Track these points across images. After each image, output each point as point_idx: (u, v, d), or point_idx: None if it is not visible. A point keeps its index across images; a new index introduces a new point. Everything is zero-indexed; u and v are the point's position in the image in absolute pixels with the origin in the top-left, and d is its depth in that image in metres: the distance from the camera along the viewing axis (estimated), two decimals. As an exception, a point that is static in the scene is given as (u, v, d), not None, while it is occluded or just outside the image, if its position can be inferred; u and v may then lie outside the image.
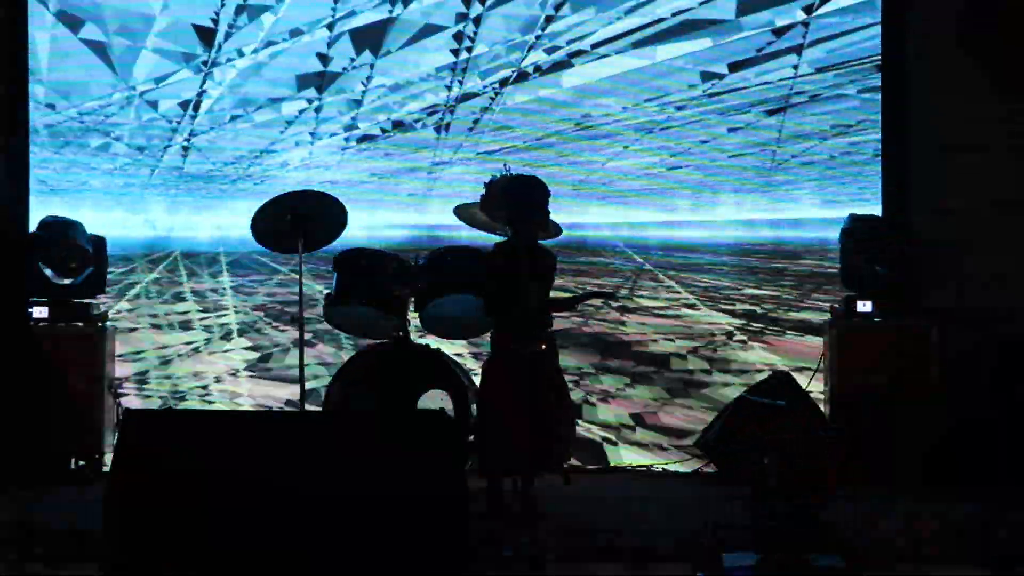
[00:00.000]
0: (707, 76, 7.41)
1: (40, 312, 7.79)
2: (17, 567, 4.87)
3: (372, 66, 7.80)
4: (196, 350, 8.29)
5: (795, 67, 7.26)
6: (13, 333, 7.63)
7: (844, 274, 7.97)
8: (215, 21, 7.74)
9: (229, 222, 8.19)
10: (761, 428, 5.63)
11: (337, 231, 7.60)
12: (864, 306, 7.84)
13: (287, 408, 8.21)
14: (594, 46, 7.73)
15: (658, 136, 7.67)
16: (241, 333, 8.29)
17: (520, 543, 5.04)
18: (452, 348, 7.93)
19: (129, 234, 8.32)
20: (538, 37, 7.71)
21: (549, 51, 7.75)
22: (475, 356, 8.20)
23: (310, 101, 7.99)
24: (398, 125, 8.09)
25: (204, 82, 7.79)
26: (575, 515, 6.17)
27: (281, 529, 4.65)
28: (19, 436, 7.24)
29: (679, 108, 7.51)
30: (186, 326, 8.31)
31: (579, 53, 7.75)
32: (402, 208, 8.13)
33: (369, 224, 8.12)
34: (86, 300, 7.89)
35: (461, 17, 7.74)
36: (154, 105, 8.00)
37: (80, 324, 7.81)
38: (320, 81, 7.82)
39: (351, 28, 7.75)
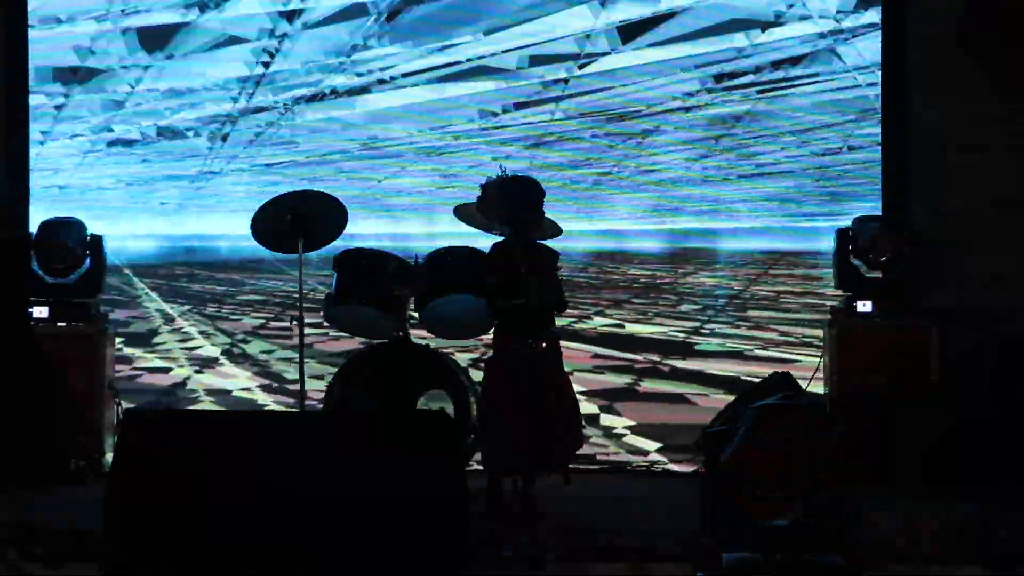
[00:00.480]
0: (485, 113, 8.29)
1: (40, 312, 7.79)
2: (17, 567, 4.86)
3: (146, 68, 7.85)
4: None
5: (553, 113, 8.27)
6: (13, 333, 7.63)
7: (838, 275, 7.98)
8: None
9: None
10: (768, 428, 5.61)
11: (337, 231, 7.60)
12: (864, 306, 7.84)
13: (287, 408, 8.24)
14: (393, 78, 8.27)
15: (433, 161, 8.37)
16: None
17: (520, 543, 5.03)
18: (444, 346, 7.94)
19: None
20: (342, 63, 8.15)
21: (355, 76, 8.22)
22: (465, 353, 8.24)
23: (49, 96, 7.91)
24: (165, 131, 8.16)
25: None
26: (575, 515, 6.17)
27: (281, 529, 4.65)
28: (19, 436, 7.24)
29: (456, 137, 8.27)
30: None
31: (382, 82, 8.26)
32: (152, 217, 8.12)
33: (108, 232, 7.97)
34: (86, 300, 7.91)
35: (267, 32, 8.01)
36: None
37: (80, 324, 7.82)
38: (73, 77, 7.78)
39: (132, 26, 7.80)
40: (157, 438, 4.88)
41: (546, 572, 4.88)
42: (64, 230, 7.88)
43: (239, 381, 8.35)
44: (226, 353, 8.44)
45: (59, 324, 7.81)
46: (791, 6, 8.07)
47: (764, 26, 8.14)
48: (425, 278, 7.27)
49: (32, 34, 7.77)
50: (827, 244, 8.11)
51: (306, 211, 7.38)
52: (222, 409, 8.20)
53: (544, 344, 6.27)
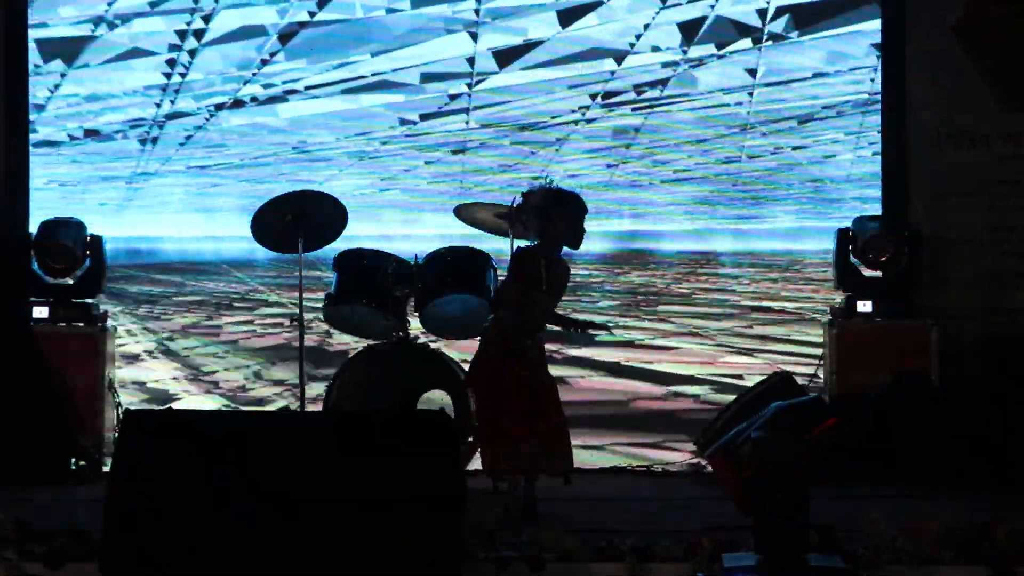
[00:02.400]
0: (404, 121, 8.74)
1: (40, 312, 7.79)
2: (17, 567, 4.86)
3: (63, 75, 8.24)
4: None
5: (467, 122, 8.72)
6: (13, 333, 7.63)
7: (838, 275, 7.98)
8: None
9: None
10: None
11: (337, 231, 7.61)
12: (864, 306, 7.85)
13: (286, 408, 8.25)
14: (307, 88, 8.68)
15: (368, 164, 8.75)
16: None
17: (520, 543, 5.03)
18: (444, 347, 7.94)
19: None
20: (254, 74, 8.58)
21: (265, 87, 8.62)
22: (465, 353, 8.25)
23: None
24: (92, 133, 8.47)
25: None
26: (575, 515, 6.17)
27: (281, 529, 4.64)
28: (19, 436, 7.24)
29: (384, 143, 8.71)
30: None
31: (293, 91, 8.68)
32: (91, 216, 8.19)
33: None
34: (86, 300, 7.90)
35: (174, 47, 8.44)
36: None
37: (80, 324, 7.82)
38: None
39: (39, 37, 8.24)
40: (157, 438, 4.87)
41: (546, 572, 4.88)
42: (64, 230, 7.88)
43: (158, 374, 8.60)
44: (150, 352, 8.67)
45: (59, 324, 7.81)
46: (639, 37, 8.61)
47: (620, 56, 8.66)
48: (425, 278, 7.27)
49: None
50: (756, 244, 8.67)
51: (306, 211, 7.39)
52: (222, 409, 8.21)
53: (531, 349, 6.27)
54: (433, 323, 7.43)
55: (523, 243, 6.49)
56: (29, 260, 7.84)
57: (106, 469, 7.23)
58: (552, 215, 6.27)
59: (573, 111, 8.76)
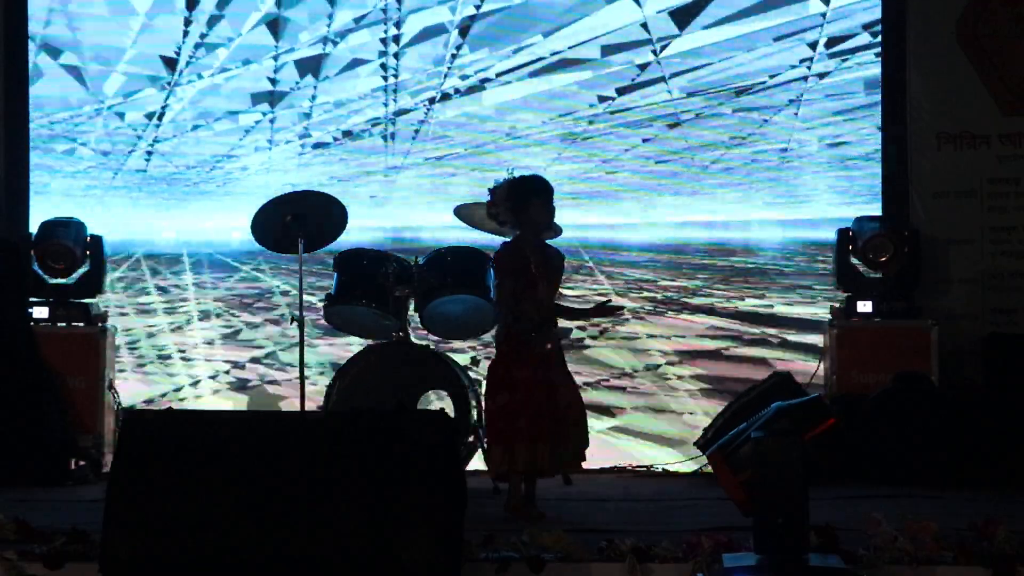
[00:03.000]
0: (603, 98, 8.60)
1: (40, 312, 7.80)
2: (17, 567, 4.86)
3: (315, 87, 8.67)
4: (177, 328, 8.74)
5: (669, 92, 8.47)
6: (13, 333, 7.63)
7: (838, 275, 7.99)
8: (177, 53, 8.50)
9: (191, 225, 8.67)
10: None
11: (337, 231, 7.61)
12: (864, 306, 7.85)
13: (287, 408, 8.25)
14: (497, 75, 8.73)
15: (582, 145, 8.69)
16: (204, 318, 8.75)
17: (520, 543, 5.03)
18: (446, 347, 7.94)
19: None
20: (448, 68, 8.71)
21: (462, 78, 8.73)
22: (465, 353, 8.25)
23: (264, 114, 8.68)
24: (348, 134, 8.78)
25: (168, 97, 8.48)
26: (575, 515, 6.17)
27: (280, 529, 4.64)
28: (19, 436, 7.24)
29: (590, 122, 8.62)
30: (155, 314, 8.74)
31: (487, 79, 8.74)
32: (364, 209, 8.56)
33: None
34: (86, 300, 7.91)
35: (382, 53, 8.72)
36: (121, 116, 8.60)
37: (80, 324, 7.82)
38: (271, 98, 8.62)
39: (294, 59, 8.65)
40: (157, 438, 4.87)
41: (546, 572, 4.88)
42: (64, 230, 7.89)
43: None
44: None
45: (59, 324, 7.81)
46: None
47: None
48: (425, 278, 7.27)
49: (236, 72, 8.62)
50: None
51: (306, 211, 7.40)
52: (223, 409, 8.21)
53: (550, 345, 6.25)
54: (433, 323, 7.43)
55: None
56: (29, 260, 7.84)
57: (106, 469, 7.24)
58: (526, 203, 6.28)
59: (794, 66, 8.39)
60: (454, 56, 8.67)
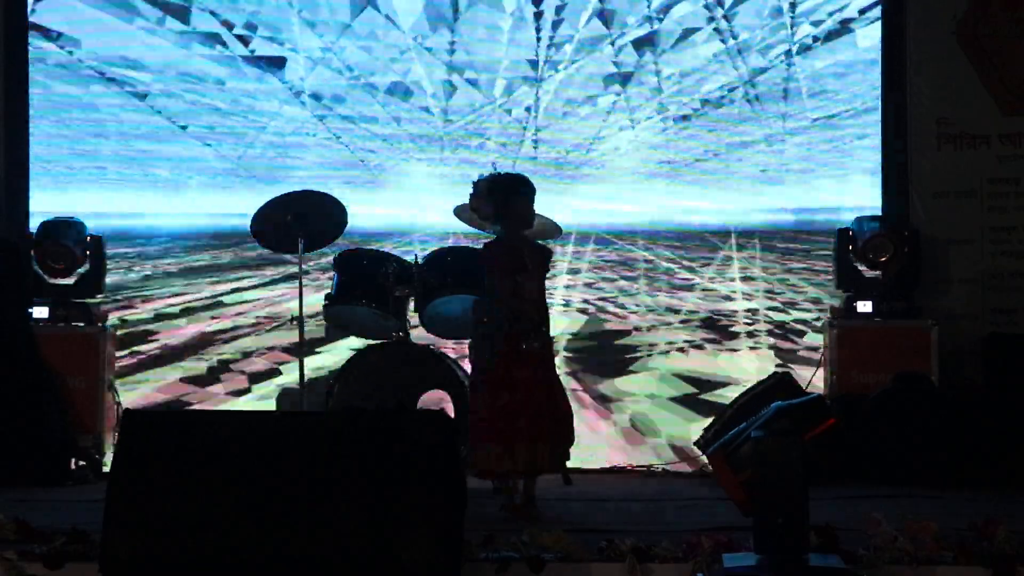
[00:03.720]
0: None
1: (40, 312, 7.80)
2: (17, 567, 4.86)
3: (655, 63, 8.77)
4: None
5: None
6: (13, 333, 7.63)
7: (838, 275, 7.99)
8: (536, 55, 8.85)
9: (584, 205, 8.82)
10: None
11: (337, 231, 7.61)
12: (864, 306, 7.85)
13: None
14: (862, 11, 8.56)
15: None
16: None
17: (520, 543, 5.03)
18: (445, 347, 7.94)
19: None
20: (793, 17, 8.62)
21: (814, 24, 8.62)
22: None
23: (618, 95, 8.82)
24: (706, 103, 8.82)
25: (537, 92, 8.84)
26: (575, 515, 6.17)
27: (281, 529, 4.64)
28: (19, 436, 7.24)
29: None
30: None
31: (849, 19, 8.58)
32: (757, 186, 8.70)
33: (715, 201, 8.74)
34: (86, 300, 7.91)
35: (709, 19, 8.72)
36: (508, 112, 8.91)
37: (80, 324, 7.82)
38: (620, 79, 8.78)
39: (629, 40, 8.80)
40: (157, 438, 4.87)
41: (546, 572, 4.88)
42: (64, 230, 7.89)
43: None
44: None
45: (59, 324, 7.81)
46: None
47: None
48: (425, 278, 7.27)
49: (585, 59, 8.86)
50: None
51: (306, 211, 7.40)
52: (223, 409, 8.21)
53: (537, 344, 6.23)
54: (433, 323, 7.43)
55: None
56: (29, 260, 7.84)
57: (106, 469, 7.24)
58: (509, 199, 6.27)
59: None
60: (793, 4, 8.60)
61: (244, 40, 8.70)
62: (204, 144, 8.76)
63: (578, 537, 5.12)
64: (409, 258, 7.39)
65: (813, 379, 8.00)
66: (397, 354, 7.36)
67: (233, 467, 4.81)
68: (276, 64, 8.75)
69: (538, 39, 8.83)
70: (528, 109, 8.86)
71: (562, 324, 8.55)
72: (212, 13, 8.64)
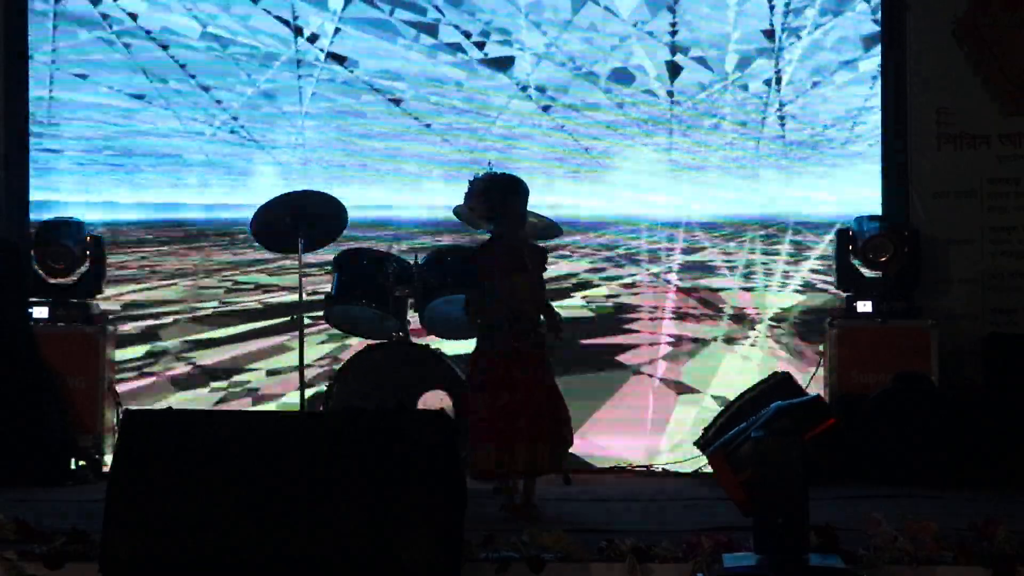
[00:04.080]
0: None
1: (40, 312, 7.80)
2: (17, 567, 4.86)
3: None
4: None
5: None
6: (13, 333, 7.63)
7: (838, 275, 7.99)
8: (771, 25, 8.60)
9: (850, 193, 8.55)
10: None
11: (337, 231, 7.61)
12: (864, 306, 7.85)
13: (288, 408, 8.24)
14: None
15: None
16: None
17: (520, 543, 5.03)
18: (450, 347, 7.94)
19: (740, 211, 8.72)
20: None
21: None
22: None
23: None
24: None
25: (777, 63, 8.56)
26: (575, 515, 6.17)
27: (280, 529, 4.65)
28: (19, 437, 7.24)
29: None
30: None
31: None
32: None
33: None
34: (86, 300, 7.91)
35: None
36: (745, 88, 8.64)
37: (80, 324, 7.82)
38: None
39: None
40: (157, 438, 4.87)
41: (546, 572, 4.88)
42: (64, 230, 7.89)
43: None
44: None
45: (59, 324, 7.81)
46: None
47: None
48: (425, 278, 7.27)
49: (832, 21, 8.60)
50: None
51: (306, 211, 7.40)
52: (223, 409, 8.20)
53: (533, 343, 6.23)
54: (433, 323, 7.43)
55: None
56: (29, 260, 7.84)
57: (106, 469, 7.24)
58: (513, 198, 6.27)
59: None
60: None
61: (479, 45, 8.75)
62: (443, 140, 8.80)
63: (578, 537, 5.12)
64: (409, 258, 7.38)
65: (813, 379, 7.99)
66: (397, 354, 7.36)
67: (233, 467, 4.81)
68: (506, 64, 8.76)
69: (771, 7, 8.54)
70: (767, 83, 8.64)
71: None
72: (455, 26, 8.71)
